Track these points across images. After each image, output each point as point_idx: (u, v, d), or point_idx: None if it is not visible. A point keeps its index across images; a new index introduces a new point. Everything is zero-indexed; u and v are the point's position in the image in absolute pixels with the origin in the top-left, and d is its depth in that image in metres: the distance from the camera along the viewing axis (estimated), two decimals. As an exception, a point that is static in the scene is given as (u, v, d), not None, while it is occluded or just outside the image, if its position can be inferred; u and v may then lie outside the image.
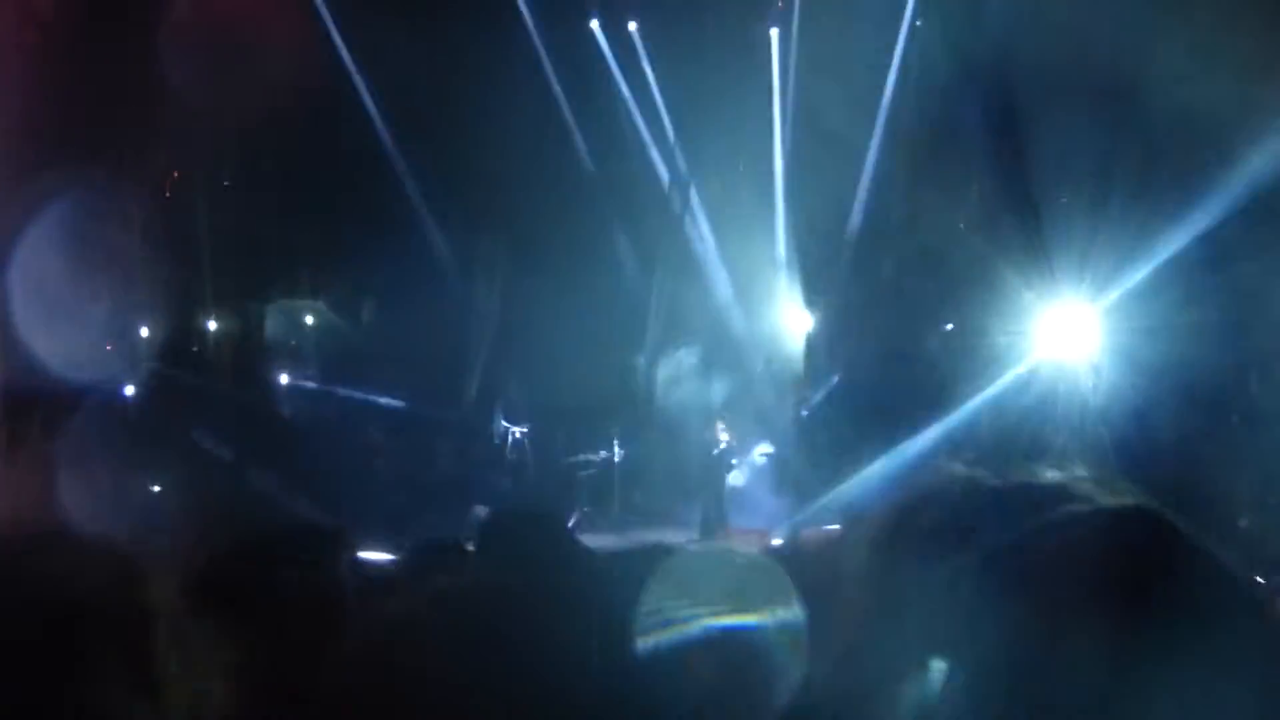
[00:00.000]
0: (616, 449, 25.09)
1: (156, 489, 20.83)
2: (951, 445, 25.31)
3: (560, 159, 26.09)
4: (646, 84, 26.68)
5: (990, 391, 25.54)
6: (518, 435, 25.70)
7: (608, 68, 26.68)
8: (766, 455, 25.13)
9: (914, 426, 25.25)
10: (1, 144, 19.26)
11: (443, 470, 25.43)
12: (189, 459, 22.15)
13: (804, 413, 26.31)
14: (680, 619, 3.36)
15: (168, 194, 23.57)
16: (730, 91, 25.36)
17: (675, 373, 25.61)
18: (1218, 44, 22.54)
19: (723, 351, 25.94)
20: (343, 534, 4.89)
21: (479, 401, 26.58)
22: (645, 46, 26.60)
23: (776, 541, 20.59)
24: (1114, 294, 24.41)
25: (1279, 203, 22.89)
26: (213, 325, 25.37)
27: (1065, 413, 25.44)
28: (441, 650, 3.54)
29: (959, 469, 2.30)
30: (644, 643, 3.30)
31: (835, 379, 26.83)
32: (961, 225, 26.36)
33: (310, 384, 26.02)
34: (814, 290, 27.05)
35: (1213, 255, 23.25)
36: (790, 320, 27.01)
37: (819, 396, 26.38)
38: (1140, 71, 23.38)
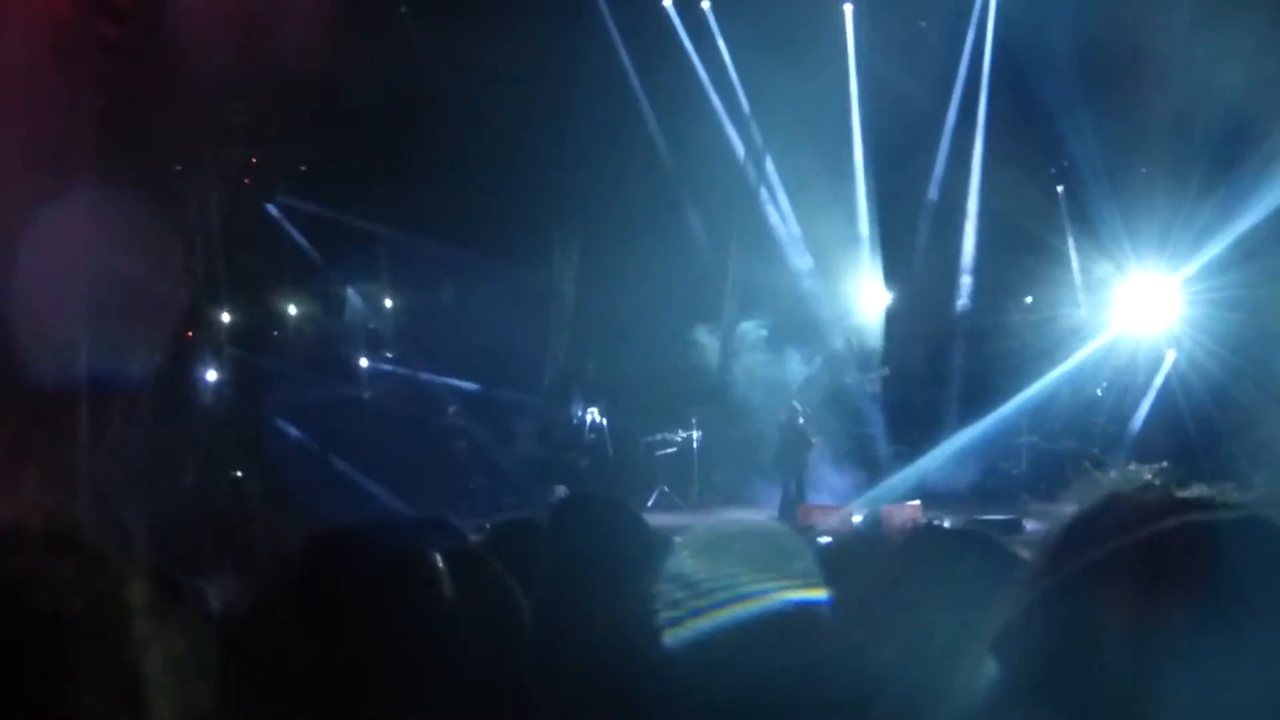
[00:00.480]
0: (695, 428, 25.11)
1: (239, 475, 21.04)
2: (1031, 421, 25.32)
3: (634, 138, 26.08)
4: (720, 60, 26.63)
5: (1068, 366, 25.41)
6: (595, 416, 25.74)
7: (681, 45, 26.64)
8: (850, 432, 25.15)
9: (992, 402, 25.23)
10: (83, 132, 19.53)
11: (522, 451, 25.57)
12: (271, 444, 22.38)
13: (880, 389, 26.27)
14: (748, 594, 3.40)
15: (246, 180, 23.74)
16: (805, 66, 25.24)
17: (748, 350, 25.61)
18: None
19: (801, 328, 25.86)
20: (445, 526, 4.98)
21: (557, 382, 26.68)
22: (719, 23, 26.54)
23: (857, 519, 20.66)
24: (1193, 267, 24.18)
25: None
26: (292, 310, 25.55)
27: (1143, 386, 25.32)
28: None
29: (1140, 479, 2.29)
30: (704, 622, 3.35)
31: (914, 355, 26.80)
32: (1040, 198, 26.19)
33: (389, 367, 26.17)
34: (893, 265, 26.98)
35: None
36: (870, 296, 26.93)
37: (897, 372, 26.34)
38: (1216, 44, 23.14)
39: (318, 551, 4.27)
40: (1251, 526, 2.10)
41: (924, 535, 4.18)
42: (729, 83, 26.72)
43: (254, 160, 23.73)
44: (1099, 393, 25.81)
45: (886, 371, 26.14)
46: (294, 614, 3.07)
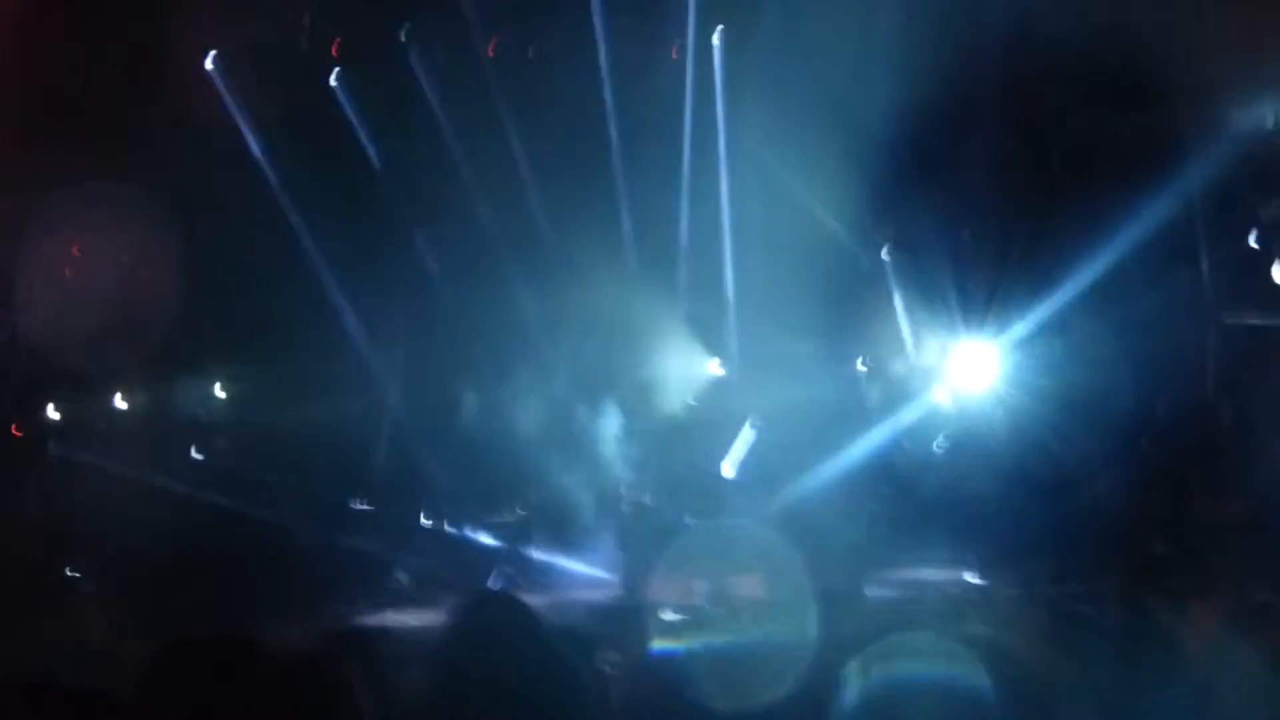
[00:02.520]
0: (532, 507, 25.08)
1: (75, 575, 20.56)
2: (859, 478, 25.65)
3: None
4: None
5: (898, 424, 25.87)
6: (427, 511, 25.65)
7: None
8: None
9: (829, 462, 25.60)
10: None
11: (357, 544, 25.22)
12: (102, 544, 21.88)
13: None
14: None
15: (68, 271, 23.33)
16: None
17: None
18: (1121, 79, 23.01)
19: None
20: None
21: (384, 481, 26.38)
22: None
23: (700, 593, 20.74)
24: (1019, 328, 24.80)
25: (1178, 237, 23.42)
26: (122, 403, 25.04)
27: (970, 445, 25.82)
28: None
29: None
30: None
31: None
32: (875, 255, 26.66)
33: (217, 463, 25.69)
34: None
35: (1117, 288, 23.71)
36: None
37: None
38: (1043, 107, 23.88)
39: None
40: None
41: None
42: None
43: (75, 250, 23.30)
44: (937, 449, 26.15)
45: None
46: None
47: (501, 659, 4.11)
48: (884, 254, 26.66)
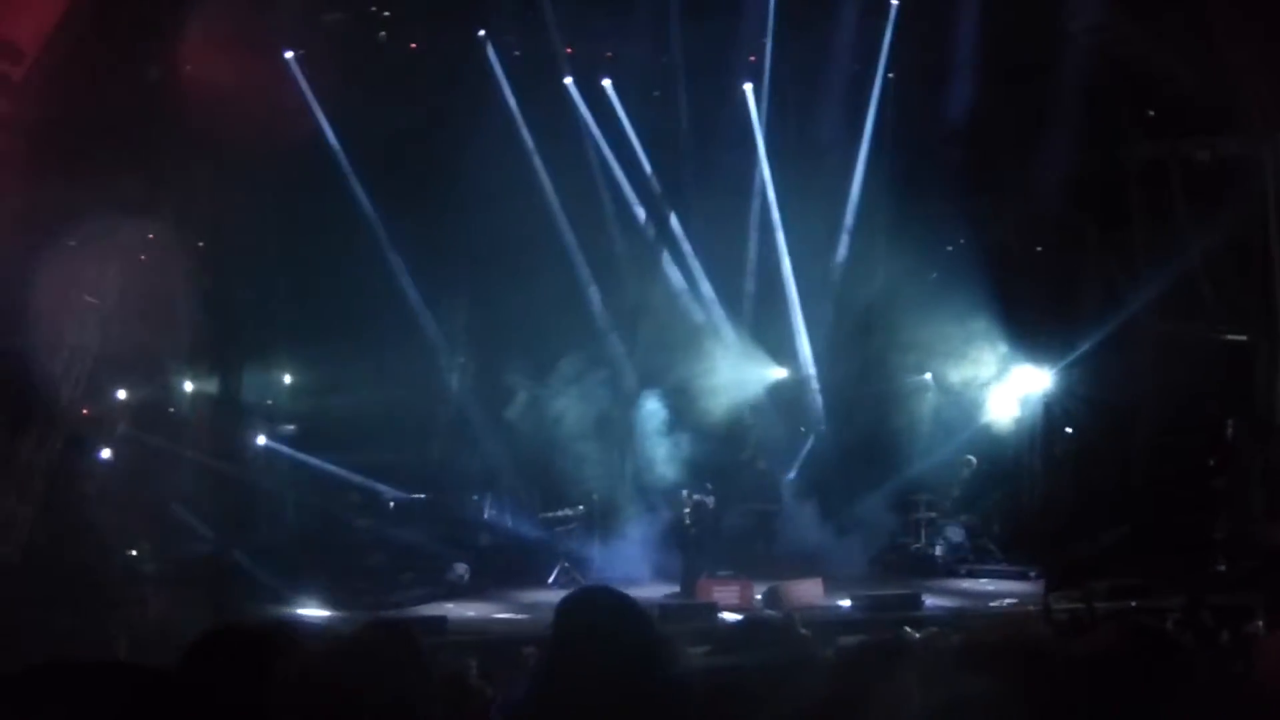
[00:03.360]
0: (595, 504, 25.12)
1: (133, 554, 20.73)
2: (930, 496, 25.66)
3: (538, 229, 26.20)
4: (625, 135, 26.85)
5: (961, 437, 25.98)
6: (493, 496, 25.70)
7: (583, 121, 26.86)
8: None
9: (889, 475, 25.68)
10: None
11: (422, 528, 25.34)
12: (165, 525, 22.07)
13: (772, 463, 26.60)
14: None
15: (143, 257, 23.50)
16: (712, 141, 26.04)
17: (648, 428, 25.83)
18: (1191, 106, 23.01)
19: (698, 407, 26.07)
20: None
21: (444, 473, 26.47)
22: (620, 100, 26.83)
23: (758, 595, 20.76)
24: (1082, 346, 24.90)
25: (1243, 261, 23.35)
26: (189, 387, 25.23)
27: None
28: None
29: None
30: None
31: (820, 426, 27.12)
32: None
33: (286, 446, 25.81)
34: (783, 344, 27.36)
35: (1181, 310, 23.66)
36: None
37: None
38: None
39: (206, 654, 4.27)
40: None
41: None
42: (634, 158, 26.94)
43: (150, 235, 23.49)
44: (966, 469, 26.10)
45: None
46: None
47: (609, 656, 4.05)
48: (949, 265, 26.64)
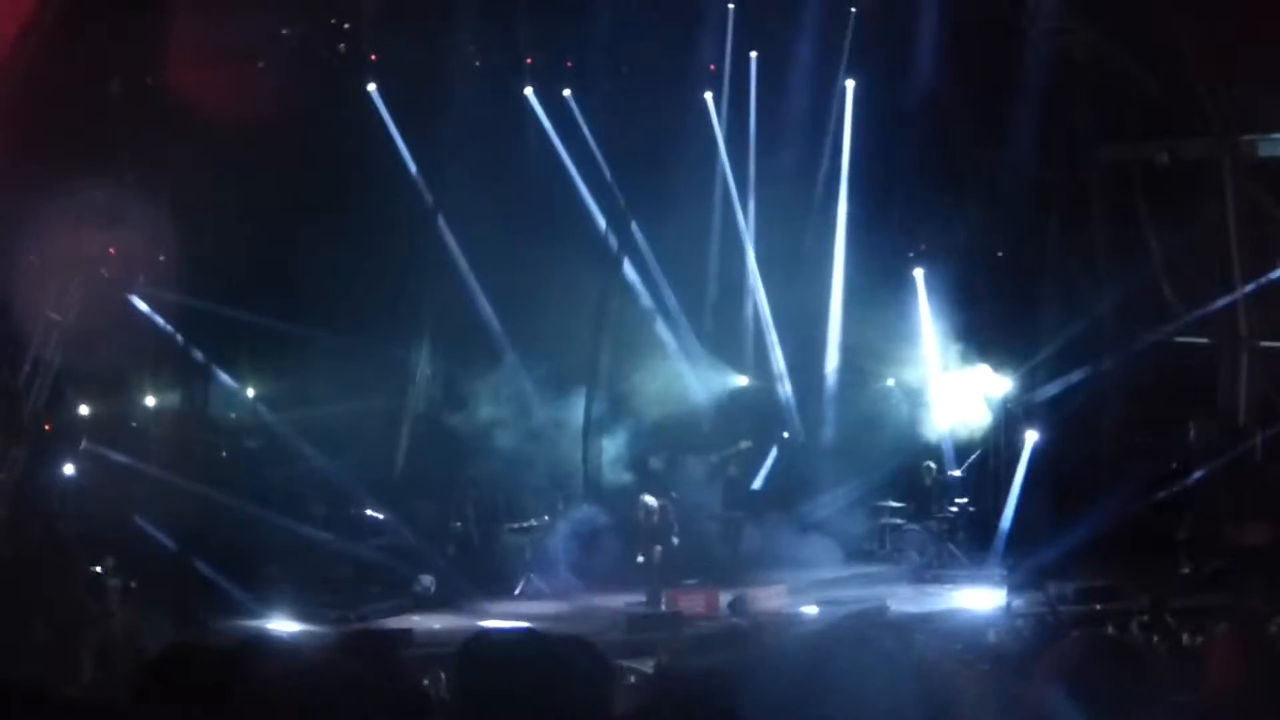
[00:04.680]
0: (560, 514, 25.06)
1: (98, 570, 20.62)
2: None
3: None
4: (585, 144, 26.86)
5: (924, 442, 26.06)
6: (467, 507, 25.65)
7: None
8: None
9: (855, 481, 25.72)
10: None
11: (387, 540, 25.27)
12: (130, 539, 21.93)
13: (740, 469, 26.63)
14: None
15: (104, 271, 23.41)
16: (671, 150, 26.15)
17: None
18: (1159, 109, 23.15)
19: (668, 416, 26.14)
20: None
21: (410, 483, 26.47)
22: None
23: (724, 603, 20.76)
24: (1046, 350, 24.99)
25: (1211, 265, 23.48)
26: (151, 400, 25.09)
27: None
28: None
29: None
30: None
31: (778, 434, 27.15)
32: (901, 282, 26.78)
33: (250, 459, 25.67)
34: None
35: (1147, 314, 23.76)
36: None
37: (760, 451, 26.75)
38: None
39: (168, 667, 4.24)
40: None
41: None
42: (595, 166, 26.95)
43: (111, 250, 23.39)
44: (958, 474, 26.11)
45: (748, 444, 26.43)
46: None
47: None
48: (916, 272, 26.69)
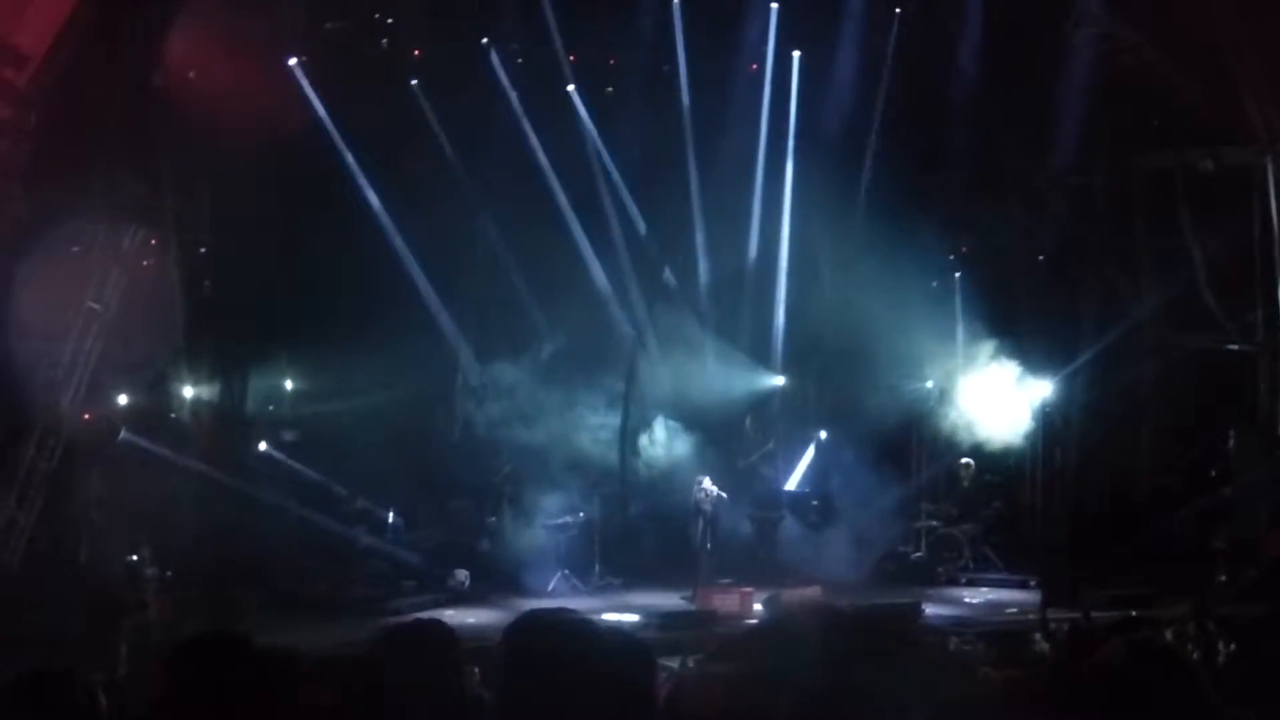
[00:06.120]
0: (596, 510, 25.08)
1: (134, 559, 20.68)
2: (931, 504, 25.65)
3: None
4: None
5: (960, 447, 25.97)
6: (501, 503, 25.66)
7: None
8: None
9: (890, 483, 25.64)
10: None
11: (422, 535, 25.31)
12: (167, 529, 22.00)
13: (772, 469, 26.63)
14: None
15: (145, 262, 23.49)
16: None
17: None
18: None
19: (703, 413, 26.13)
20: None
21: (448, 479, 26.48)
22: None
23: (758, 604, 20.72)
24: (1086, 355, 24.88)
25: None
26: (189, 393, 25.15)
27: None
28: None
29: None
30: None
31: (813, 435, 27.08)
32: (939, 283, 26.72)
33: (287, 455, 25.65)
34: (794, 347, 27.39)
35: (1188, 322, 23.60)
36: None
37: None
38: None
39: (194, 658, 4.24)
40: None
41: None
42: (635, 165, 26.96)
43: (152, 241, 23.48)
44: (996, 477, 26.04)
45: (771, 445, 26.47)
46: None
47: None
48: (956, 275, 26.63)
